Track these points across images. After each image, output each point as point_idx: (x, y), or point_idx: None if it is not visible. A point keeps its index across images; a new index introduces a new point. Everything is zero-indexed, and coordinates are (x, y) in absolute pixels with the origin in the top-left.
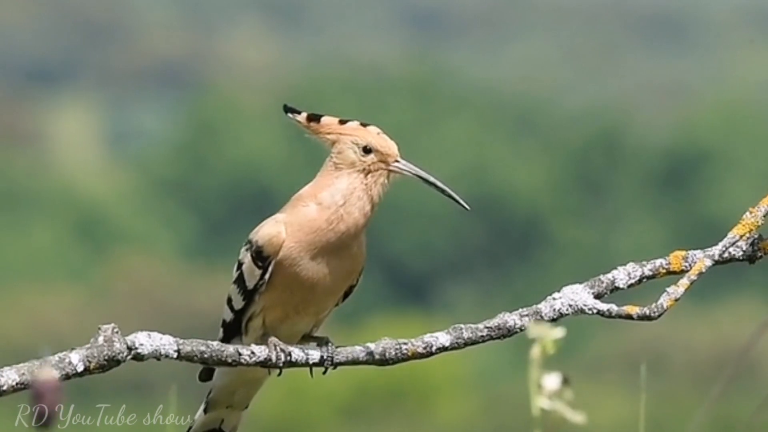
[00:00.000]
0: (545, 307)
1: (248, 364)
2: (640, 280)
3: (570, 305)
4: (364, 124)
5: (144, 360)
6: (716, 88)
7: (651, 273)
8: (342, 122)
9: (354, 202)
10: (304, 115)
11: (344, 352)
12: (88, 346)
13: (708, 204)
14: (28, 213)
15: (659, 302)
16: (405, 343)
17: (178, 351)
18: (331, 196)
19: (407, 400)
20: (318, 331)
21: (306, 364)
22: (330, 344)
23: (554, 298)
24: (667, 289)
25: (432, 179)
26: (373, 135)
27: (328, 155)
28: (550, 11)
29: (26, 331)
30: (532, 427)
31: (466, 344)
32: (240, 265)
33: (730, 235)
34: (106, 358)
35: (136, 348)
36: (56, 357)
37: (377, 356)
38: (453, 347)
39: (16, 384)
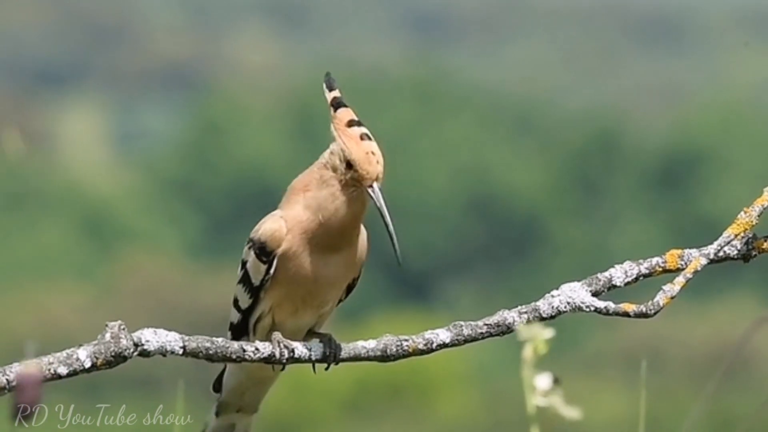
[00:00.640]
0: (544, 305)
1: (252, 360)
2: (636, 278)
3: (568, 303)
4: (363, 137)
5: (150, 356)
6: (712, 90)
7: (647, 271)
8: (350, 124)
9: (332, 211)
10: (332, 95)
11: (346, 348)
12: (95, 342)
13: (704, 204)
14: (36, 212)
15: (655, 300)
16: (406, 340)
17: (184, 347)
18: (314, 202)
19: (408, 395)
20: (321, 328)
21: (309, 360)
22: (332, 340)
23: (552, 296)
24: (664, 287)
25: (387, 220)
26: (361, 153)
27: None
28: (548, 14)
29: (34, 328)
30: (529, 425)
31: (466, 341)
32: (244, 264)
33: (725, 234)
34: (113, 354)
35: (143, 344)
36: (64, 353)
37: (379, 352)
38: (453, 344)
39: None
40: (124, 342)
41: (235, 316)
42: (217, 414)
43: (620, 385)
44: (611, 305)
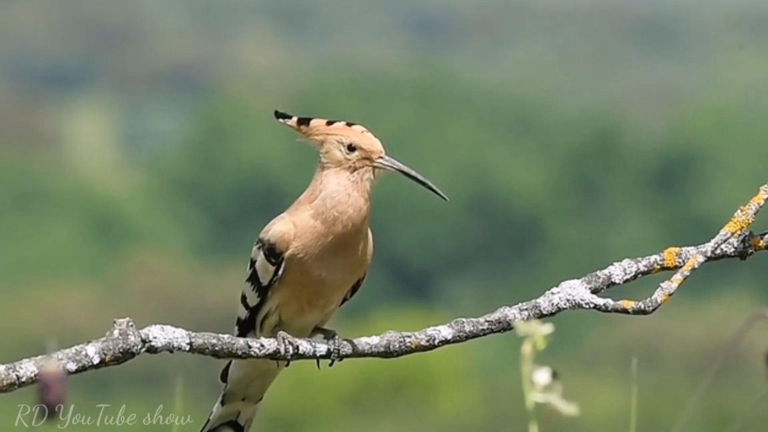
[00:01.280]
0: (544, 302)
1: (258, 356)
2: (635, 276)
3: (568, 300)
4: (349, 124)
5: (157, 352)
6: (707, 92)
7: (646, 269)
8: (329, 123)
9: (345, 200)
10: (294, 119)
11: (350, 345)
12: (103, 339)
13: (699, 203)
14: (45, 211)
15: (653, 297)
16: (409, 336)
17: (191, 344)
18: (323, 201)
19: (410, 391)
20: (326, 325)
21: (313, 356)
22: (337, 337)
23: (553, 293)
24: (661, 285)
25: (413, 173)
26: (357, 134)
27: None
28: (547, 17)
29: (43, 325)
30: (529, 420)
31: (467, 337)
32: (253, 263)
33: (722, 232)
34: (121, 350)
35: (150, 341)
36: (73, 349)
37: (382, 348)
38: (455, 340)
39: (34, 376)
40: (131, 338)
41: (242, 313)
42: (223, 402)
43: (618, 381)
44: (610, 302)
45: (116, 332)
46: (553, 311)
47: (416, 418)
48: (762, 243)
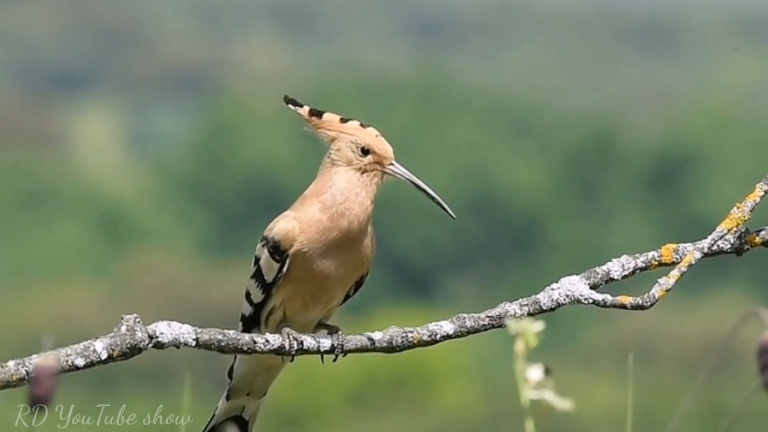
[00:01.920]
0: (544, 297)
1: (263, 352)
2: (633, 272)
3: (567, 295)
4: (363, 125)
5: (164, 348)
6: (704, 94)
7: (644, 265)
8: (343, 121)
9: (353, 198)
10: (306, 108)
11: (353, 340)
12: (111, 335)
13: (695, 203)
14: (53, 211)
15: (651, 292)
16: (411, 332)
17: (197, 339)
18: (332, 197)
19: (412, 386)
20: (329, 321)
21: (317, 351)
22: (340, 333)
23: (552, 289)
24: (659, 280)
25: (422, 185)
26: (372, 137)
27: (326, 151)
28: (546, 20)
29: (52, 322)
30: (524, 416)
31: (468, 332)
32: (257, 260)
33: (718, 228)
34: (129, 346)
35: (157, 336)
36: (81, 345)
37: (385, 344)
38: (456, 335)
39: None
40: (139, 334)
41: (247, 309)
42: (228, 398)
43: (615, 377)
44: (609, 298)
45: (124, 328)
46: (553, 306)
47: (418, 413)
48: (758, 239)
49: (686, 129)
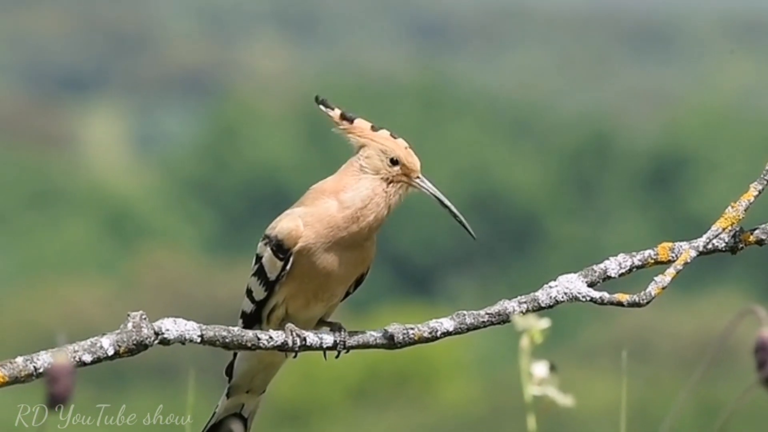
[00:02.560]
0: (542, 295)
1: (266, 348)
2: (630, 270)
3: (565, 293)
4: (394, 136)
5: (170, 344)
6: (699, 95)
7: (640, 263)
8: (374, 129)
9: (372, 207)
10: (337, 112)
11: (355, 337)
12: (118, 331)
13: (691, 203)
14: (62, 210)
15: (648, 290)
16: (412, 328)
17: (202, 336)
18: (352, 199)
19: (413, 383)
20: (331, 318)
21: (320, 347)
22: (342, 330)
23: (550, 286)
24: (655, 278)
25: (447, 202)
26: (401, 149)
27: (352, 155)
28: (545, 24)
29: (60, 319)
30: (526, 412)
31: (468, 329)
32: (259, 258)
33: (713, 227)
34: (135, 342)
35: (163, 333)
36: (88, 341)
37: (386, 340)
38: (456, 332)
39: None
40: (145, 331)
41: (248, 306)
42: (228, 395)
43: (612, 374)
44: (606, 295)
45: (130, 325)
46: (551, 304)
47: (419, 409)
48: (752, 238)
49: (682, 130)
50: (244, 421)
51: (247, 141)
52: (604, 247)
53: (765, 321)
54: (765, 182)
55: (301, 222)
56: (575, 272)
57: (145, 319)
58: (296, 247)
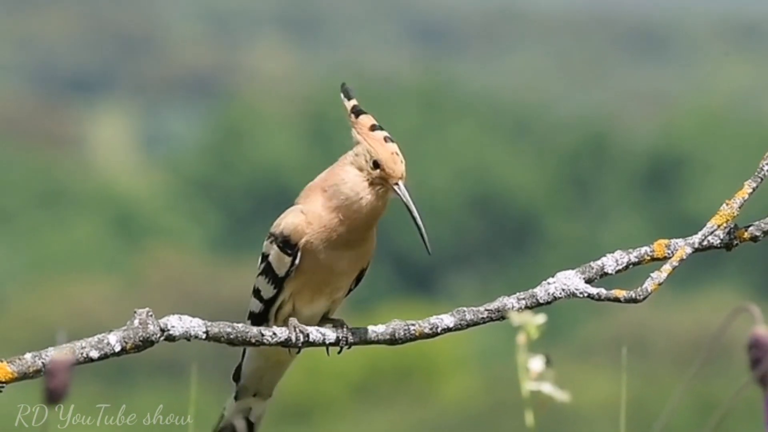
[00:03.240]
0: (540, 291)
1: (270, 344)
2: (626, 267)
3: (563, 289)
4: (387, 139)
5: (175, 341)
6: (695, 97)
7: (637, 260)
8: (372, 128)
9: (357, 200)
10: (352, 103)
11: (357, 333)
12: (124, 328)
13: (687, 202)
14: (69, 209)
15: (644, 286)
16: (413, 324)
17: (207, 332)
18: (336, 192)
19: (414, 378)
20: (334, 314)
21: (323, 343)
22: (345, 326)
23: (549, 283)
24: (652, 275)
25: (415, 214)
26: (387, 153)
27: (349, 149)
28: (544, 27)
29: (68, 317)
30: (524, 407)
31: (468, 325)
32: (265, 257)
33: (708, 224)
34: (141, 339)
35: (169, 330)
36: (95, 338)
37: (388, 336)
38: (456, 328)
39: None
40: (151, 327)
41: (256, 306)
42: (236, 398)
43: (609, 370)
44: (603, 291)
45: (136, 322)
46: (549, 300)
47: (420, 404)
48: (746, 235)
49: (678, 131)
50: (251, 426)
51: (252, 142)
52: (602, 245)
53: (759, 319)
54: (759, 180)
55: (304, 217)
56: (573, 269)
57: (151, 316)
58: (302, 242)
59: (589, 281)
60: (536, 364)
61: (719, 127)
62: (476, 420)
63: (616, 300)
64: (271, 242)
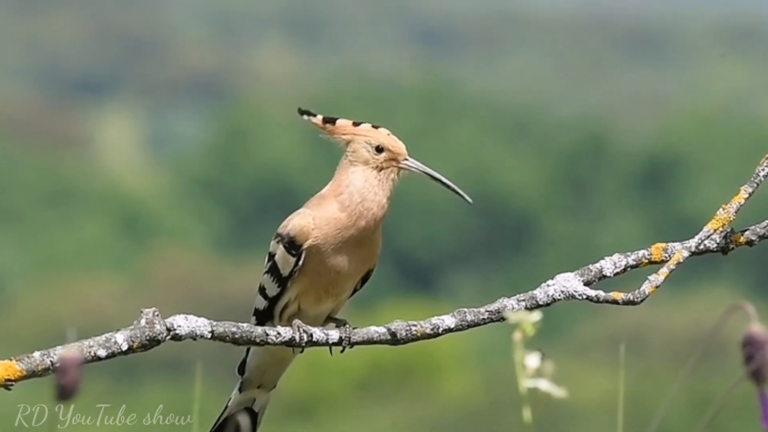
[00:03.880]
0: (540, 293)
1: (274, 344)
2: (624, 269)
3: (562, 291)
4: (375, 126)
5: (181, 340)
6: (691, 99)
7: (634, 263)
8: (355, 124)
9: (371, 198)
10: (320, 117)
11: (360, 333)
12: (131, 327)
13: (683, 203)
14: (77, 209)
15: (642, 289)
16: (415, 325)
17: (212, 332)
18: (350, 196)
19: (416, 376)
20: (338, 314)
21: (326, 343)
22: (347, 326)
23: (548, 285)
24: (649, 277)
25: (437, 175)
26: (384, 136)
27: (343, 154)
28: (543, 29)
29: (75, 315)
30: (522, 404)
31: (469, 326)
32: (272, 256)
33: (705, 228)
34: (148, 338)
35: (175, 329)
36: (103, 337)
37: (390, 336)
38: (457, 329)
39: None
40: (157, 327)
41: (261, 303)
42: (241, 389)
43: (607, 367)
44: (601, 293)
45: (143, 321)
46: (549, 302)
47: (421, 401)
48: (742, 239)
49: (675, 132)
50: (255, 416)
51: (256, 142)
52: (599, 245)
53: (753, 317)
54: (755, 185)
55: (312, 220)
56: (572, 270)
57: (157, 315)
58: (306, 244)
59: (587, 283)
60: (533, 360)
61: (715, 128)
62: (476, 416)
63: (615, 302)
64: (278, 242)
